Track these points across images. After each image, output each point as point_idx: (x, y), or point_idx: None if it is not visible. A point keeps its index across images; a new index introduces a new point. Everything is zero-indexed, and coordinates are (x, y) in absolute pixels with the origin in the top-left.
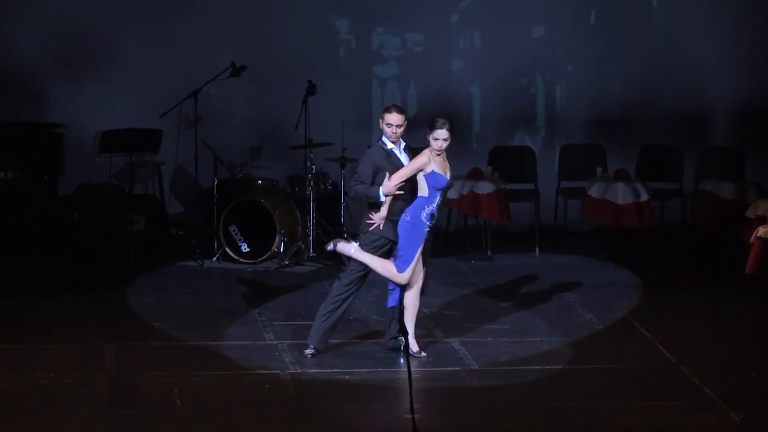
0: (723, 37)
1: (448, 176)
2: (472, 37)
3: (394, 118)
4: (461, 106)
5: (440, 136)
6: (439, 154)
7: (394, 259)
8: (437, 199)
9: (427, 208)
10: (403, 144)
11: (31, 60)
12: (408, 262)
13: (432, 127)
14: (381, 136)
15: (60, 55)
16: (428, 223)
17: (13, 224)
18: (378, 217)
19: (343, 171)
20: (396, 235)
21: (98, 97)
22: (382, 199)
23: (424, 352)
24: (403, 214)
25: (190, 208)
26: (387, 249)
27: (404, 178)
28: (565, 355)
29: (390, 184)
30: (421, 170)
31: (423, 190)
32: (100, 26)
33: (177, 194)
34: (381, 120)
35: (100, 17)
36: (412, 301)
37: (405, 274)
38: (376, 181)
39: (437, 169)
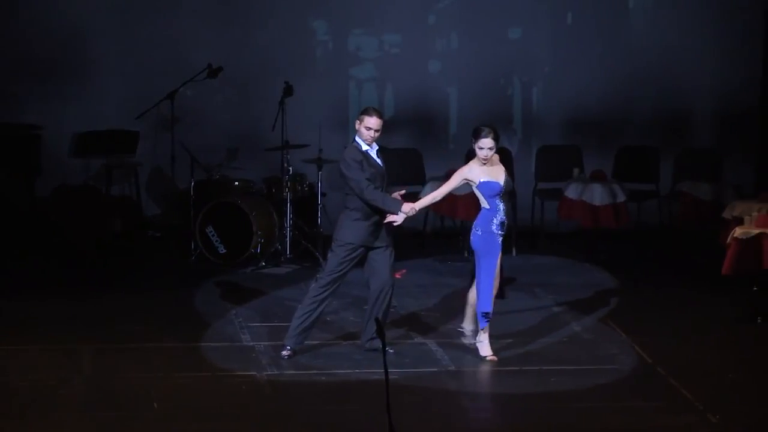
0: (699, 39)
1: (501, 181)
2: (449, 38)
3: (374, 122)
4: (438, 107)
5: (485, 145)
6: (485, 163)
7: (477, 273)
8: (500, 206)
9: (495, 219)
10: (376, 147)
11: (5, 61)
12: (491, 274)
13: (477, 136)
14: (355, 137)
15: (36, 56)
16: (499, 232)
17: None
18: (400, 218)
19: (320, 172)
20: (367, 240)
21: (75, 99)
22: (398, 218)
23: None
24: (474, 228)
25: (167, 210)
26: (359, 254)
27: (445, 194)
28: (542, 357)
29: (410, 206)
30: (467, 182)
31: (483, 201)
32: (76, 27)
33: (154, 195)
34: (358, 122)
35: (76, 18)
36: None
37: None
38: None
39: (486, 177)
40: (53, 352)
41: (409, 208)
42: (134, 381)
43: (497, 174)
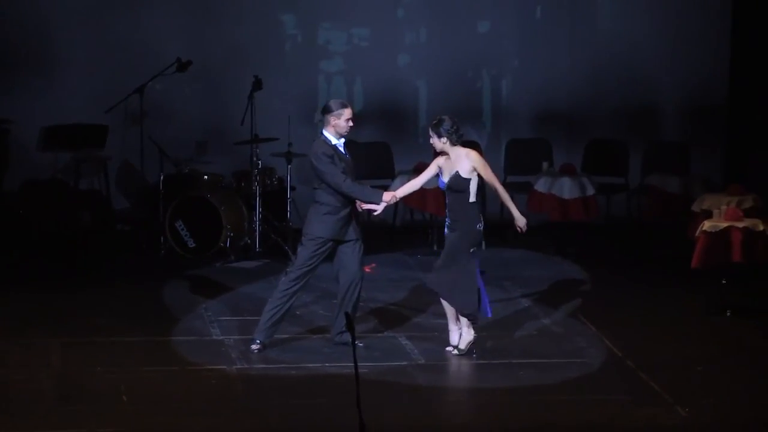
0: (667, 33)
1: (446, 178)
2: (418, 32)
3: (352, 114)
4: (407, 101)
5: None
6: (442, 155)
7: None
8: (447, 200)
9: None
10: (343, 140)
11: None
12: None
13: None
14: (323, 132)
15: (3, 49)
16: (445, 221)
17: None
18: (381, 207)
19: (289, 166)
20: (337, 234)
21: (43, 93)
22: (379, 207)
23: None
24: None
25: (136, 204)
26: (328, 248)
27: (423, 182)
28: (511, 350)
29: (391, 194)
30: (436, 174)
31: None
32: (44, 20)
33: (123, 189)
34: (337, 117)
35: (44, 11)
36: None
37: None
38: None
39: (443, 171)
40: (21, 347)
41: (390, 197)
42: (103, 375)
43: (448, 169)
